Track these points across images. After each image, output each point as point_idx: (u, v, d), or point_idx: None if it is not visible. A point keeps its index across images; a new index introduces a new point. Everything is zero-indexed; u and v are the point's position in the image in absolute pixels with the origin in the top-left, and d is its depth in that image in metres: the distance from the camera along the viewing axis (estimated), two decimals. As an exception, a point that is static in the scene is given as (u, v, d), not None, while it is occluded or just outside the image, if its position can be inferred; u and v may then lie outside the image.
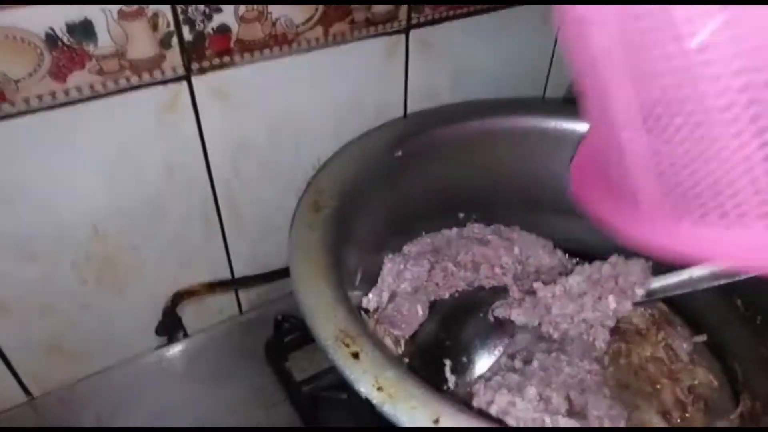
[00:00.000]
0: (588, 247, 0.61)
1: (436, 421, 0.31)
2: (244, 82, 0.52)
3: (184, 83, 0.50)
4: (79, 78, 0.44)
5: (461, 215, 0.62)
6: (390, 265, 0.57)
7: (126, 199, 0.52)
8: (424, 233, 0.60)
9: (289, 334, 0.61)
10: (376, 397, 0.33)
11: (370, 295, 0.55)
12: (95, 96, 0.46)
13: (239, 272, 0.65)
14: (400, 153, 0.53)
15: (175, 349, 0.62)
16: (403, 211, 0.57)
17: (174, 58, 0.48)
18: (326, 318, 0.37)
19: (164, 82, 0.48)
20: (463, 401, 0.47)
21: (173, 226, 0.57)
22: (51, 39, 0.42)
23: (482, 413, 0.44)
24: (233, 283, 0.64)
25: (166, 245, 0.57)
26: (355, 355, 0.35)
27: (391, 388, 0.33)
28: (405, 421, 0.31)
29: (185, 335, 0.63)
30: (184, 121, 0.51)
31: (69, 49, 0.43)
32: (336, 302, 0.38)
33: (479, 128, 0.57)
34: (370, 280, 0.57)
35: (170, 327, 0.61)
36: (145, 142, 0.50)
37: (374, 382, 0.33)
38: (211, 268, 0.62)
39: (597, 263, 0.51)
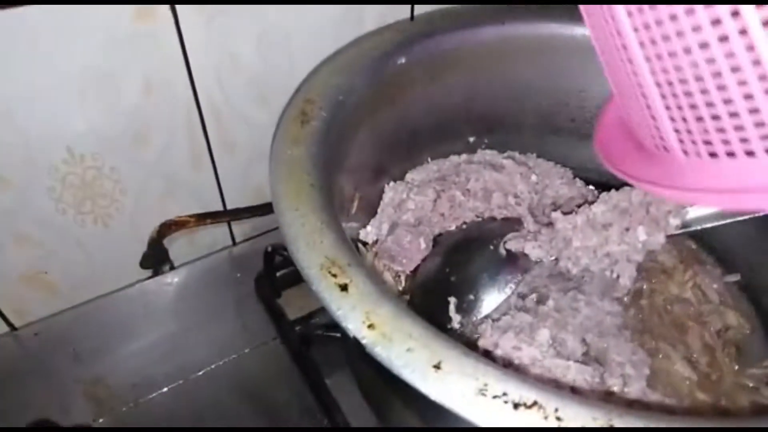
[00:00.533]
0: (611, 177, 0.56)
1: (437, 365, 0.26)
2: (229, -15, 0.47)
3: (160, -17, 0.45)
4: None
5: (471, 139, 0.56)
6: (391, 194, 0.52)
7: (101, 117, 0.48)
8: (429, 159, 0.55)
9: (282, 268, 0.57)
10: (366, 336, 0.28)
11: (369, 227, 0.50)
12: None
13: (232, 203, 0.61)
14: (403, 60, 0.47)
15: (161, 283, 0.59)
16: (405, 131, 0.51)
17: (149, -45, 0.42)
18: (310, 243, 0.31)
19: (136, -18, 0.44)
20: (468, 343, 0.42)
21: (156, 149, 0.53)
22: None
23: (489, 356, 0.40)
24: (225, 215, 0.60)
25: (149, 170, 0.54)
26: (344, 287, 0.29)
27: (385, 326, 0.28)
28: (400, 365, 0.26)
29: (172, 268, 0.59)
30: (163, 30, 0.47)
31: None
32: (323, 226, 0.32)
33: (496, 34, 0.50)
34: (369, 211, 0.52)
35: (156, 259, 0.58)
36: (118, 54, 0.46)
37: (365, 319, 0.28)
38: (201, 197, 0.59)
39: (626, 189, 0.45)
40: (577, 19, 0.50)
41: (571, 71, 0.51)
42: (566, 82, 0.52)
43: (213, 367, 0.53)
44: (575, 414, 0.25)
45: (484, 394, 0.25)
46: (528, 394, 0.25)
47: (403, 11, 0.57)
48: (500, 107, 0.54)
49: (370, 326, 0.28)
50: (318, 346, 0.53)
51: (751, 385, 0.46)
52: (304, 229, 0.32)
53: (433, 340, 0.28)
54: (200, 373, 0.53)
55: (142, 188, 0.54)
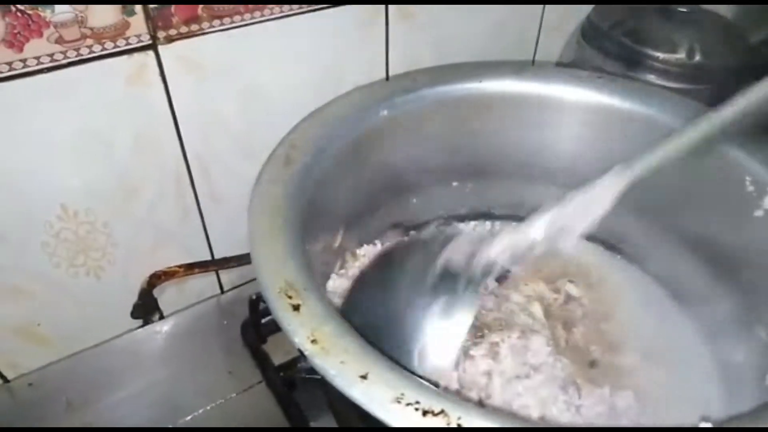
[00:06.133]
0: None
1: (364, 376, 0.30)
2: (214, 51, 0.50)
3: (151, 53, 0.48)
4: (37, 47, 0.42)
5: (455, 184, 0.60)
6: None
7: (95, 175, 0.51)
8: (415, 201, 0.59)
9: (267, 315, 0.58)
10: (308, 349, 0.32)
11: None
12: (56, 67, 0.44)
13: (219, 252, 0.63)
14: (386, 112, 0.51)
15: (150, 332, 0.60)
16: (391, 175, 0.55)
17: (138, 25, 0.46)
18: (274, 270, 0.36)
19: (129, 52, 0.47)
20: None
21: (146, 204, 0.55)
22: (3, 4, 0.40)
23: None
24: (213, 264, 0.62)
25: (140, 224, 0.56)
26: (296, 308, 0.34)
27: (326, 342, 0.32)
28: (333, 374, 0.30)
29: (161, 317, 0.61)
30: (152, 93, 0.50)
31: (24, 15, 0.41)
32: (287, 255, 0.37)
33: (475, 91, 0.54)
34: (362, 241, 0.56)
35: (146, 309, 0.59)
36: (111, 116, 0.48)
37: (309, 335, 0.32)
38: (190, 248, 0.61)
39: None
40: (547, 79, 0.54)
41: (543, 125, 0.55)
42: (540, 135, 0.56)
43: (200, 412, 0.54)
44: (475, 422, 0.28)
45: (399, 402, 0.29)
46: (437, 404, 0.29)
47: (381, 72, 0.61)
48: (481, 157, 0.58)
49: (314, 341, 0.32)
50: (303, 392, 0.54)
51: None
52: (272, 257, 0.37)
53: (365, 355, 0.32)
54: (188, 418, 0.53)
55: (133, 241, 0.56)
